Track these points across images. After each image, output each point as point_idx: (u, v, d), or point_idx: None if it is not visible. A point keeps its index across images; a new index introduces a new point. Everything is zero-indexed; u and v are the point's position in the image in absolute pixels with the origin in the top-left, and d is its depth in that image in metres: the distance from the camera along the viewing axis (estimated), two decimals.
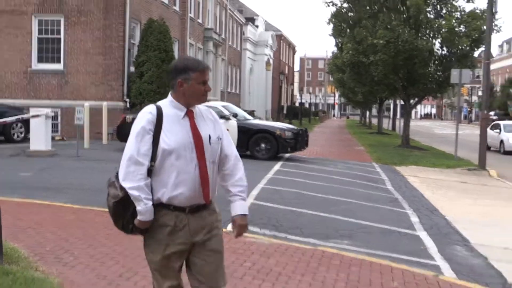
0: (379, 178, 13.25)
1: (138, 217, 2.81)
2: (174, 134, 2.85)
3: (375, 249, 6.06)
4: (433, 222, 7.95)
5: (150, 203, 2.80)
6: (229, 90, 39.46)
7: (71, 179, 10.45)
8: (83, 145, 16.30)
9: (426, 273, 5.23)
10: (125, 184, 2.79)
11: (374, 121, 49.36)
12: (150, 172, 2.84)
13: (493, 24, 20.07)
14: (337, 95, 31.60)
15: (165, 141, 2.82)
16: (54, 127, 18.18)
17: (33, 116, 15.51)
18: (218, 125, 3.06)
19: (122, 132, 16.33)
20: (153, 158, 2.83)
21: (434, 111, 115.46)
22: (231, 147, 3.09)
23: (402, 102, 31.29)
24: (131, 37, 21.52)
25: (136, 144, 2.83)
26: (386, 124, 47.06)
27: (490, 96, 65.93)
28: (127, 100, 20.50)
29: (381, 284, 4.80)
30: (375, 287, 4.73)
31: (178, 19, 26.81)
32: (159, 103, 2.98)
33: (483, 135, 17.45)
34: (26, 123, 17.49)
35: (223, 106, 16.49)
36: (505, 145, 23.98)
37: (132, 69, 21.12)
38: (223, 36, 36.48)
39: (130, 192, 2.78)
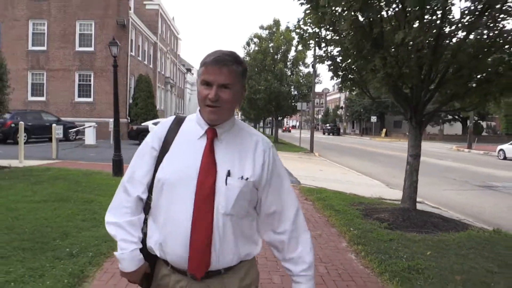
0: None
1: (119, 265, 1.80)
2: (178, 159, 1.75)
3: None
4: None
5: (131, 248, 1.76)
6: (178, 112, 57.23)
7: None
8: (110, 141, 24.31)
9: None
10: (106, 217, 1.83)
11: (261, 130, 65.10)
12: (148, 208, 1.81)
13: (317, 79, 35.12)
14: (239, 114, 46.34)
15: (162, 168, 1.76)
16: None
17: (87, 127, 23.59)
18: (255, 160, 1.78)
19: (130, 134, 26.02)
20: (151, 188, 1.80)
21: (297, 123, 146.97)
22: (285, 200, 1.83)
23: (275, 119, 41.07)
24: (129, 84, 33.09)
25: (131, 165, 1.87)
26: (268, 131, 66.08)
27: (327, 115, 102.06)
28: (129, 117, 32.23)
29: None
30: None
31: (152, 72, 39.72)
32: (190, 115, 1.92)
33: (312, 136, 31.35)
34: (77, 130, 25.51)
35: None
36: None
37: (131, 101, 32.88)
38: (175, 80, 52.96)
39: (107, 228, 1.80)
